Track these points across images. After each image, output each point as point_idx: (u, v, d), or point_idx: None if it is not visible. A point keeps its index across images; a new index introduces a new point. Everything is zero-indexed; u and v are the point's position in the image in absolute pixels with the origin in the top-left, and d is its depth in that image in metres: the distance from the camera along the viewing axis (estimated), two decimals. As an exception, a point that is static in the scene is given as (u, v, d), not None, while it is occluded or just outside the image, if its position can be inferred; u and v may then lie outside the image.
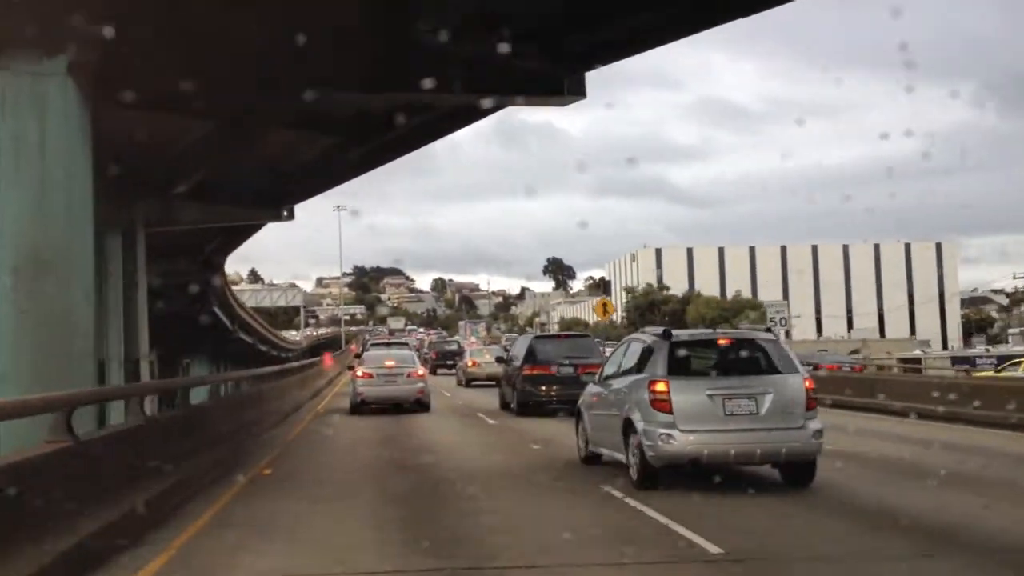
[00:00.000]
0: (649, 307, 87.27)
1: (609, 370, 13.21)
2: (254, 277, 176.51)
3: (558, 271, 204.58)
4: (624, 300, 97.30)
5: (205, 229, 32.17)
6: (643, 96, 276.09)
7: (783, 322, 48.62)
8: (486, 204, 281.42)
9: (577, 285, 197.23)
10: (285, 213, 29.48)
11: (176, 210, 27.58)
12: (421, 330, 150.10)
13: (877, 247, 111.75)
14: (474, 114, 20.81)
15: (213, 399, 16.57)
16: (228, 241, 37.24)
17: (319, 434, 20.11)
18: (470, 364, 39.45)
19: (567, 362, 23.20)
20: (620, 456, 11.89)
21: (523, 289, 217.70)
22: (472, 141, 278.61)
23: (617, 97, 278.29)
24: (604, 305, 48.76)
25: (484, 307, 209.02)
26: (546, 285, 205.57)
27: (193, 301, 42.45)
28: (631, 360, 12.44)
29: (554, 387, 22.75)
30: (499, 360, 28.86)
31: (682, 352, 11.60)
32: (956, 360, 52.49)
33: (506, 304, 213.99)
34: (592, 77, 18.30)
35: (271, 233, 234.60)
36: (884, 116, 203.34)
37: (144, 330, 27.63)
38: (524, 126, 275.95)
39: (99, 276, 24.14)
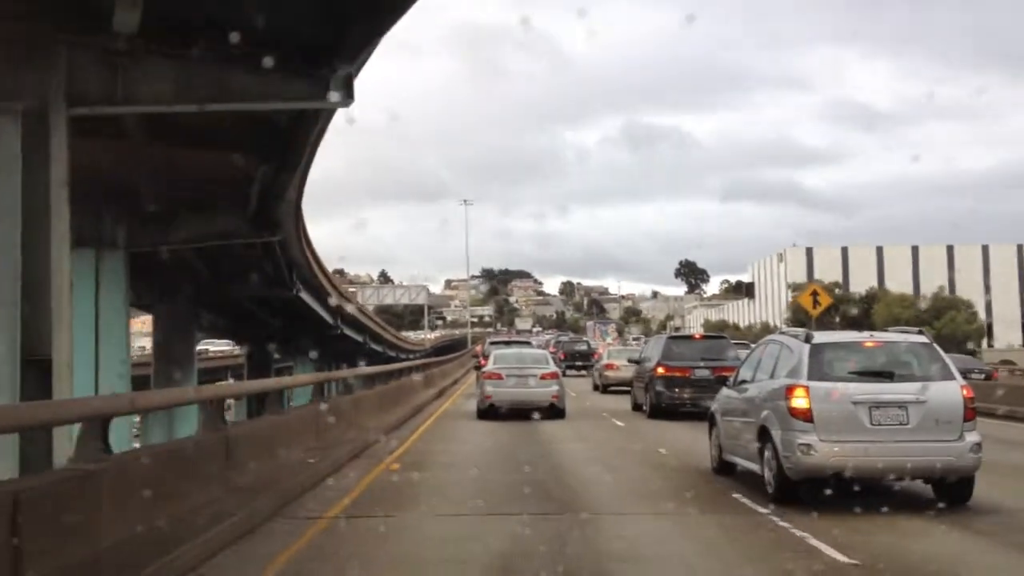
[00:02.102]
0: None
1: (745, 374, 12.47)
2: (384, 279, 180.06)
3: (691, 274, 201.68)
4: (788, 299, 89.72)
5: (230, 143, 18.85)
6: (771, 97, 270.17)
7: None
8: (613, 209, 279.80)
9: (710, 288, 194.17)
10: (335, 96, 14.34)
11: (130, 73, 13.77)
12: (550, 332, 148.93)
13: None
14: None
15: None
16: (280, 168, 20.58)
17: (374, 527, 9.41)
18: (608, 367, 34.14)
19: (702, 364, 22.55)
20: (755, 467, 11.19)
21: (654, 292, 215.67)
22: (599, 146, 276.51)
23: (744, 99, 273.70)
24: (814, 293, 33.64)
25: (613, 311, 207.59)
26: (677, 289, 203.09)
27: (261, 281, 30.95)
28: (768, 363, 11.68)
29: (688, 390, 22.14)
30: (631, 361, 28.20)
31: (824, 355, 10.75)
32: None
33: (635, 308, 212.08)
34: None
35: (399, 234, 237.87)
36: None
37: (65, 307, 13.46)
38: (651, 130, 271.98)
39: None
